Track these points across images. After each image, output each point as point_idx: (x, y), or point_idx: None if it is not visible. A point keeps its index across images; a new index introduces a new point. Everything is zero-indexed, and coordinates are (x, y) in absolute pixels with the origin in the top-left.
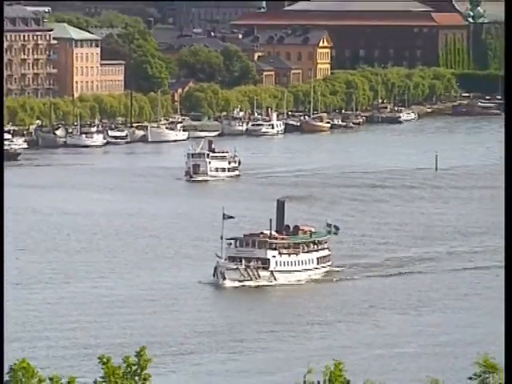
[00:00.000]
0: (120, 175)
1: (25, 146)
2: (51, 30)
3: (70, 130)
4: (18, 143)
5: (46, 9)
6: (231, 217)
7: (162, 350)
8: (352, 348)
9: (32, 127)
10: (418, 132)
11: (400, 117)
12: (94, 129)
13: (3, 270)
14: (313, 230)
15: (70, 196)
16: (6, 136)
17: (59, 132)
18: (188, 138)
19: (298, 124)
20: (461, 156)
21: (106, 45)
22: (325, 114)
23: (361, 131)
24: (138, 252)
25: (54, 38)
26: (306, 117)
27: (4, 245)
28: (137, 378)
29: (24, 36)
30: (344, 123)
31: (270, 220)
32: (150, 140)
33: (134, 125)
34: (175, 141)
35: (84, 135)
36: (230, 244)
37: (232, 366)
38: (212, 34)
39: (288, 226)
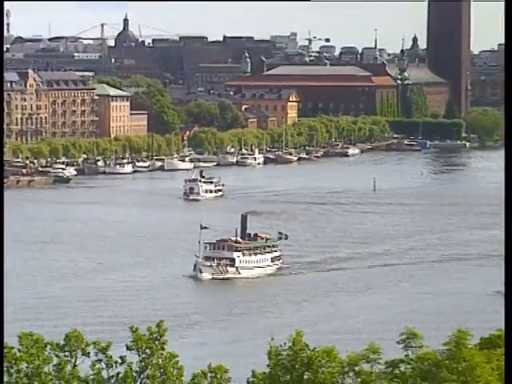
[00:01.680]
0: (142, 195)
1: (74, 173)
2: (94, 89)
3: (107, 162)
4: (69, 171)
5: (90, 73)
6: (206, 227)
7: (173, 323)
8: (314, 321)
9: (80, 160)
10: (361, 163)
11: (348, 152)
12: (125, 161)
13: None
14: (268, 236)
15: (107, 209)
16: (61, 166)
17: (100, 163)
18: (194, 167)
19: (274, 157)
20: (392, 180)
21: (134, 100)
22: (293, 150)
23: (319, 162)
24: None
25: (96, 95)
26: (280, 152)
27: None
28: (157, 342)
29: (74, 93)
30: (307, 156)
31: (236, 229)
32: (166, 169)
33: (155, 158)
34: (184, 169)
35: (118, 165)
36: (206, 247)
37: (228, 334)
38: (211, 91)
39: (249, 234)
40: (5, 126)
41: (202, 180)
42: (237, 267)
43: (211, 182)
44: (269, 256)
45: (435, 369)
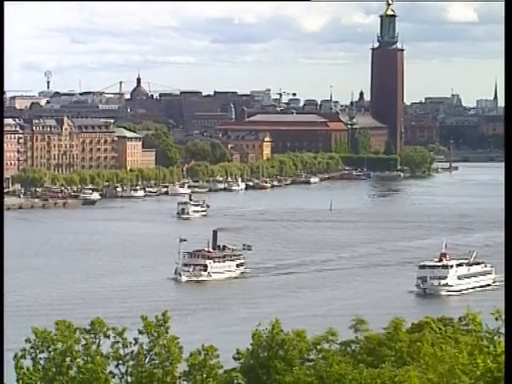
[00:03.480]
0: (150, 213)
1: (99, 197)
2: (114, 132)
3: (124, 188)
4: (95, 195)
5: (111, 120)
6: (184, 240)
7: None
8: (287, 310)
9: (103, 186)
10: (320, 189)
11: (310, 180)
12: (138, 187)
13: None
14: (234, 247)
15: (123, 224)
16: (89, 191)
17: (118, 189)
18: (191, 192)
19: (253, 184)
20: (344, 202)
21: (145, 140)
22: (268, 179)
23: (288, 188)
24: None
25: (115, 137)
26: (257, 180)
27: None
28: (162, 327)
29: (98, 135)
30: (279, 184)
31: (208, 241)
32: (170, 193)
33: (161, 185)
34: (183, 194)
35: (132, 191)
36: (185, 256)
37: (218, 320)
38: (204, 134)
39: (219, 245)
40: (45, 161)
41: (191, 203)
42: (208, 272)
43: (198, 205)
44: (234, 263)
45: (378, 347)
